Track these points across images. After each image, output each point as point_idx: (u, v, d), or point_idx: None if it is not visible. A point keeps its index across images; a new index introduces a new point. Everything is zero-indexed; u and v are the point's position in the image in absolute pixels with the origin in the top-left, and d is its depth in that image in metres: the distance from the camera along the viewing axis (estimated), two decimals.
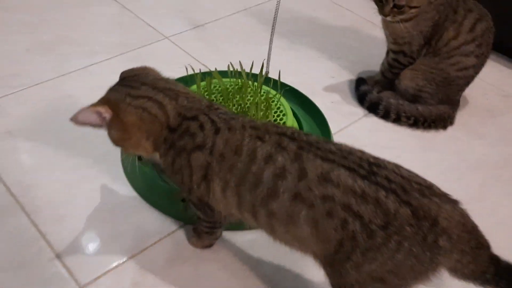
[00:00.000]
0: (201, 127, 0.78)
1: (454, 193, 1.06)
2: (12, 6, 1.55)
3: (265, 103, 1.06)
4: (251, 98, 1.06)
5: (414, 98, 1.27)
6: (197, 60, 1.40)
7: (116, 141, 0.81)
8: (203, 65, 1.37)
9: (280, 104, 1.11)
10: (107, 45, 1.43)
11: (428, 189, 0.69)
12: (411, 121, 1.25)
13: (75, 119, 0.77)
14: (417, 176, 0.71)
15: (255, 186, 0.73)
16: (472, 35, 1.19)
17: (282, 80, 1.14)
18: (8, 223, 0.95)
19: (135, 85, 0.80)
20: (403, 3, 1.14)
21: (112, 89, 0.81)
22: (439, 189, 0.70)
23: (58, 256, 0.90)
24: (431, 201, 0.67)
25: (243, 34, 1.53)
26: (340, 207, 0.67)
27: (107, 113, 0.77)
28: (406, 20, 1.19)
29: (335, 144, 0.74)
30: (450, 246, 0.66)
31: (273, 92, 1.13)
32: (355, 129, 1.24)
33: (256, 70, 1.12)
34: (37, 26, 1.48)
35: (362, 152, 0.73)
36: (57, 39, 1.43)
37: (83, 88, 1.27)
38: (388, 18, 1.19)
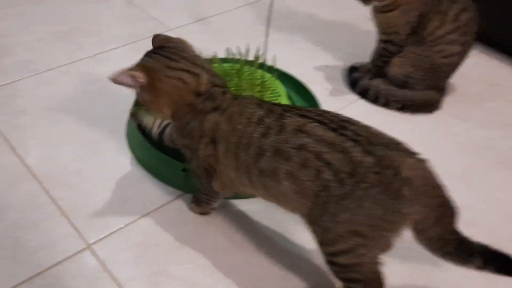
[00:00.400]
0: (224, 93, 0.88)
1: (440, 169, 1.16)
2: (28, 1, 1.66)
3: (260, 84, 1.15)
4: (248, 80, 1.15)
5: (403, 84, 1.35)
6: (200, 50, 1.48)
7: (142, 100, 0.90)
8: (206, 55, 1.46)
9: (275, 86, 1.20)
10: (115, 35, 1.52)
11: (394, 144, 0.76)
12: (399, 105, 1.33)
13: (114, 78, 0.85)
14: (386, 134, 0.79)
15: (248, 146, 0.81)
16: (456, 24, 1.26)
17: (281, 68, 1.24)
18: (22, 190, 1.04)
19: (174, 57, 0.88)
20: None
21: (150, 56, 0.88)
22: (407, 146, 0.77)
23: (67, 218, 0.99)
24: (395, 153, 0.74)
25: (244, 27, 1.62)
26: (313, 156, 0.75)
27: (142, 79, 0.85)
28: (391, 11, 1.27)
29: (315, 108, 0.82)
30: (413, 196, 0.73)
31: (268, 75, 1.22)
32: (347, 112, 1.28)
33: (254, 57, 1.21)
34: (51, 18, 1.58)
35: (337, 113, 0.81)
36: (70, 30, 1.53)
37: (93, 73, 1.37)
38: (371, 6, 1.28)
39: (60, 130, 1.19)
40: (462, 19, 1.27)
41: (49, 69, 1.37)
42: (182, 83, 0.87)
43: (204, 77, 0.88)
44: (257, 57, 1.20)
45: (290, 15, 1.71)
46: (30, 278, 0.88)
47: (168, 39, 0.94)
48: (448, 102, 1.39)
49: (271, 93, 1.18)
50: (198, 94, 0.87)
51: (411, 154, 0.76)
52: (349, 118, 0.80)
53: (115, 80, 0.85)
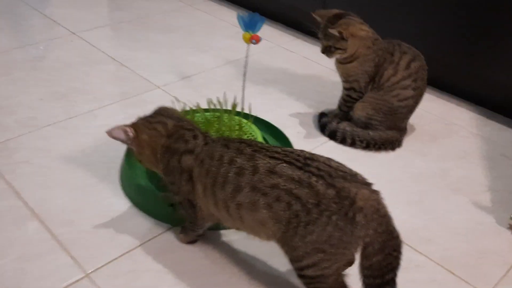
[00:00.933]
0: (195, 137, 1.05)
1: (398, 198, 1.34)
2: (28, 66, 1.84)
3: (238, 129, 1.30)
4: (227, 125, 1.31)
5: (366, 126, 1.51)
6: (184, 103, 1.66)
7: (137, 156, 1.10)
8: (189, 107, 1.62)
9: (251, 130, 1.36)
10: (108, 93, 1.69)
11: (351, 176, 0.90)
12: (364, 144, 1.49)
13: (110, 133, 1.05)
14: (344, 166, 0.94)
15: (225, 184, 0.96)
16: (408, 72, 1.45)
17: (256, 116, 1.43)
18: (26, 228, 1.15)
19: (153, 116, 1.11)
20: (330, 44, 1.44)
21: (140, 118, 1.11)
22: (362, 177, 0.92)
23: (67, 251, 1.10)
24: (352, 185, 0.88)
25: (223, 83, 1.80)
26: (284, 192, 0.90)
27: (131, 132, 1.06)
28: (350, 62, 1.46)
29: (281, 148, 0.97)
30: (365, 222, 0.86)
31: (245, 121, 1.38)
32: (318, 152, 1.46)
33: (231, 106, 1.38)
34: (50, 81, 1.75)
35: (301, 151, 0.96)
36: (67, 90, 1.70)
37: (88, 127, 1.52)
38: (326, 56, 1.48)
39: (58, 176, 1.32)
40: (413, 67, 1.45)
41: (48, 125, 1.52)
42: (156, 131, 1.07)
43: (170, 123, 1.08)
44: (234, 106, 1.37)
45: (265, 70, 1.91)
46: None
47: (157, 108, 1.15)
48: (408, 140, 1.55)
49: (247, 136, 1.34)
50: (168, 136, 1.06)
51: (365, 184, 0.90)
52: (312, 154, 0.95)
53: (110, 134, 1.05)
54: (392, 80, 1.46)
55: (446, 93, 1.82)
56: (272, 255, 1.11)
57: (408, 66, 1.45)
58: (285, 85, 1.82)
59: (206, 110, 1.42)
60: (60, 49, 1.99)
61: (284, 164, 0.92)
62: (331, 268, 0.91)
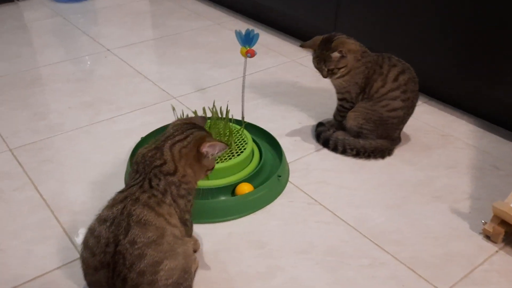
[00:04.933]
0: None
1: (378, 202, 1.44)
2: (64, 79, 2.07)
3: (229, 134, 1.44)
4: (216, 130, 1.45)
5: (358, 134, 1.59)
6: (194, 113, 1.81)
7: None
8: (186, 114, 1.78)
9: (244, 135, 1.49)
10: (129, 103, 1.88)
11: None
12: (354, 152, 1.57)
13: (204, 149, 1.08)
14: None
15: None
16: (396, 84, 1.52)
17: (260, 126, 1.61)
18: (38, 216, 1.34)
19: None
20: (332, 67, 1.52)
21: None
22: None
23: (69, 236, 1.27)
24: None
25: (234, 95, 1.93)
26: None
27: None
28: (343, 76, 1.56)
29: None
30: None
31: (237, 127, 1.51)
32: (311, 158, 1.58)
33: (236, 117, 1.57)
34: (80, 92, 1.97)
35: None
36: (93, 100, 1.90)
37: (107, 132, 1.70)
38: (329, 79, 1.57)
39: (74, 173, 1.50)
40: (401, 79, 1.52)
41: (73, 129, 1.72)
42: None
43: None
44: (227, 113, 1.50)
45: (276, 84, 2.03)
46: (38, 276, 1.15)
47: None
48: (401, 150, 1.61)
49: (239, 140, 1.48)
50: None
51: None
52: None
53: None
54: (381, 91, 1.54)
55: (449, 106, 1.86)
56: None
57: (396, 78, 1.53)
58: (292, 97, 1.93)
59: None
60: (95, 64, 2.21)
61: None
62: None
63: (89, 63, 2.23)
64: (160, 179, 1.03)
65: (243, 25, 2.60)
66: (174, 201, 1.04)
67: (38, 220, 1.32)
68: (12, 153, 1.59)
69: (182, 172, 1.05)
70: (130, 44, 2.41)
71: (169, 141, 1.07)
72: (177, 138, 1.07)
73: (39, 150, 1.61)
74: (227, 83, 2.03)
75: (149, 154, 1.06)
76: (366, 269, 1.18)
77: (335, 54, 1.50)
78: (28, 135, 1.69)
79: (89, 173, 1.50)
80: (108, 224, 0.96)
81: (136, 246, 0.94)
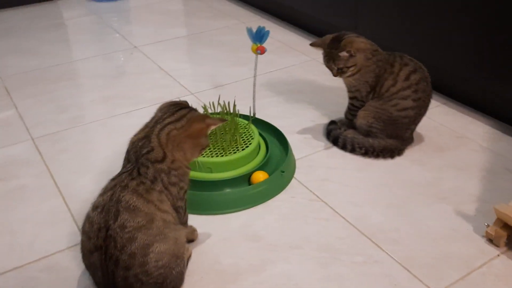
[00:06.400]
0: None
1: (380, 201, 1.45)
2: (90, 74, 2.15)
3: (232, 128, 1.47)
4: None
5: (367, 133, 1.58)
6: (210, 109, 1.85)
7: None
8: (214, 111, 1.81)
9: (251, 130, 1.52)
10: (147, 98, 1.93)
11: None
12: (362, 151, 1.56)
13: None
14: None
15: None
16: (408, 83, 1.50)
17: (272, 123, 1.64)
18: (50, 202, 1.40)
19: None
20: (341, 66, 1.51)
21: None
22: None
23: (76, 223, 1.33)
24: None
25: (250, 92, 1.94)
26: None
27: None
28: (353, 75, 1.55)
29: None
30: None
31: (245, 121, 1.54)
32: (320, 155, 1.58)
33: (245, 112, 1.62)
34: (103, 87, 2.04)
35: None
36: (114, 94, 1.97)
37: (123, 125, 1.76)
38: (338, 77, 1.56)
39: (87, 163, 1.57)
40: (413, 79, 1.50)
41: (91, 122, 1.79)
42: None
43: None
44: (234, 108, 1.53)
45: (293, 82, 2.04)
46: (42, 258, 1.21)
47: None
48: (411, 150, 1.59)
49: (245, 134, 1.51)
50: None
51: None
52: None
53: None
54: (391, 90, 1.52)
55: (468, 107, 1.81)
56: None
57: (408, 77, 1.50)
58: (307, 95, 1.93)
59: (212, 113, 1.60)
60: (120, 60, 2.29)
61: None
62: None
63: (115, 59, 2.31)
64: (148, 167, 1.05)
65: (268, 24, 2.62)
66: (166, 188, 1.07)
67: (50, 207, 1.39)
68: (34, 142, 1.68)
69: (171, 158, 1.06)
70: (156, 41, 2.48)
71: (158, 126, 1.09)
72: (167, 121, 1.09)
73: (58, 140, 1.69)
74: (245, 81, 2.05)
75: (139, 144, 1.08)
76: (359, 266, 1.17)
77: (344, 53, 1.50)
78: (50, 125, 1.77)
79: (101, 164, 1.56)
80: (99, 210, 1.01)
81: (126, 230, 0.98)
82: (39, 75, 2.16)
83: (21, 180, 1.50)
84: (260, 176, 1.40)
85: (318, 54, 2.26)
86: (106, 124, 1.78)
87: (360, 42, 1.53)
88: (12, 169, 1.55)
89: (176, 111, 1.12)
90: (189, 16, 2.85)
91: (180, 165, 1.08)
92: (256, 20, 2.69)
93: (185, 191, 1.12)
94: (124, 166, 1.09)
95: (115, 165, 1.56)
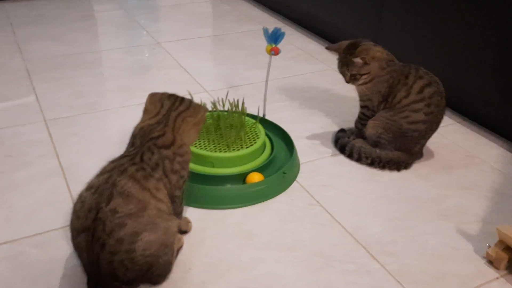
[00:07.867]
0: None
1: (381, 213, 1.42)
2: (110, 65, 2.19)
3: (238, 126, 1.46)
4: (228, 122, 1.48)
5: (375, 144, 1.56)
6: (219, 105, 1.85)
7: None
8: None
9: (257, 129, 1.51)
10: (163, 91, 1.94)
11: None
12: (369, 161, 1.53)
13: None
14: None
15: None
16: (421, 96, 1.48)
17: (282, 126, 1.63)
18: (53, 181, 1.42)
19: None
20: (354, 72, 1.50)
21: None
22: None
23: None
24: None
25: (262, 94, 1.95)
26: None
27: None
28: (365, 83, 1.53)
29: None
30: None
31: (252, 121, 1.54)
32: (325, 162, 1.56)
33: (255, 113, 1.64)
34: (122, 78, 2.07)
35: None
36: (131, 85, 2.00)
37: (134, 115, 1.77)
38: (351, 84, 1.54)
39: (94, 148, 1.58)
40: (426, 92, 1.48)
41: (104, 110, 1.81)
42: None
43: None
44: (243, 106, 1.53)
45: (308, 89, 2.03)
46: (36, 234, 1.22)
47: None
48: (419, 165, 1.56)
49: (251, 132, 1.51)
50: None
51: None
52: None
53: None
54: (403, 102, 1.49)
55: (484, 128, 1.77)
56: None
57: (421, 90, 1.48)
58: (320, 103, 1.92)
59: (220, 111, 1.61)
60: (142, 55, 2.32)
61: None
62: None
63: (137, 53, 2.34)
64: (153, 153, 1.06)
65: (290, 31, 2.62)
66: (166, 176, 1.07)
67: (51, 186, 1.41)
68: (46, 124, 1.71)
69: (180, 143, 1.09)
70: (179, 39, 2.50)
71: (173, 113, 1.13)
72: (180, 109, 1.14)
73: (69, 124, 1.71)
74: (260, 84, 2.05)
75: (150, 128, 1.10)
76: (350, 274, 1.15)
77: (358, 60, 1.48)
78: (64, 110, 1.80)
79: (107, 150, 1.57)
80: (92, 191, 1.01)
81: (117, 215, 0.97)
82: (61, 61, 2.20)
83: (27, 157, 1.52)
84: (255, 178, 1.39)
85: (336, 63, 2.26)
86: (118, 112, 1.80)
87: (376, 51, 1.51)
88: (21, 147, 1.57)
89: (182, 100, 1.16)
90: (216, 18, 2.87)
91: (186, 150, 1.11)
92: (281, 27, 2.69)
93: (184, 181, 1.12)
94: (127, 150, 1.09)
95: (120, 152, 1.59)
